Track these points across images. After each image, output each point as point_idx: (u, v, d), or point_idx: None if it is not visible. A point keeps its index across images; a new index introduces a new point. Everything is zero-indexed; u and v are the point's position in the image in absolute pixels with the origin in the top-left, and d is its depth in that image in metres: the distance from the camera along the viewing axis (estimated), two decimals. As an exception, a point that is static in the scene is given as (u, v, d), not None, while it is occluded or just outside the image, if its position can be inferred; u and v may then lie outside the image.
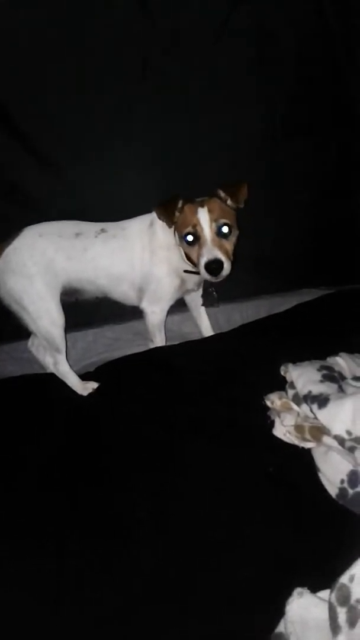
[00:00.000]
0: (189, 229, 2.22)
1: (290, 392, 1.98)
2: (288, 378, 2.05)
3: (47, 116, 2.32)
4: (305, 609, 1.32)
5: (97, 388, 2.43)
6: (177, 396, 2.23)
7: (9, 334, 2.61)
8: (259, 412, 2.00)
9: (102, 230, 2.39)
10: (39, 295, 2.30)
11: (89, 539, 1.68)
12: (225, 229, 2.22)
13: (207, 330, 2.77)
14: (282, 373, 2.10)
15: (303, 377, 1.95)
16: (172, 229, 2.31)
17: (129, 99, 2.39)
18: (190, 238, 2.23)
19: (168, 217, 2.25)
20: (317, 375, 1.94)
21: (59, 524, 1.74)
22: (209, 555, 1.57)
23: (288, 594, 1.37)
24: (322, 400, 1.80)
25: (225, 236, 2.23)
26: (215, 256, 2.17)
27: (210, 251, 2.18)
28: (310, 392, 1.86)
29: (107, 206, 2.52)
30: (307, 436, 1.82)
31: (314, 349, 2.17)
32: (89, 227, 2.40)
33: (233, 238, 2.27)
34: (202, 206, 2.22)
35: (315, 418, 1.81)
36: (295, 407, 1.94)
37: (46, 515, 1.77)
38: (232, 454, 1.89)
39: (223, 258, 2.18)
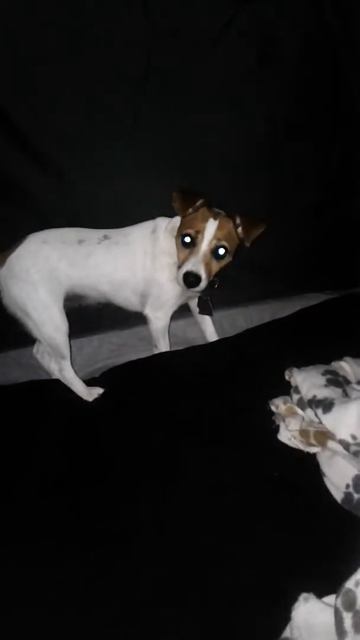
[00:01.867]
0: (192, 231, 2.22)
1: (295, 397, 1.99)
2: (292, 382, 2.05)
3: (48, 118, 2.32)
4: (311, 614, 1.33)
5: (102, 393, 2.44)
6: (182, 401, 2.23)
7: (14, 341, 2.61)
8: (264, 417, 2.01)
9: (105, 237, 2.40)
10: (43, 302, 2.30)
11: (91, 544, 1.68)
12: (221, 251, 2.22)
13: (211, 335, 2.77)
14: (286, 377, 2.11)
15: (307, 381, 1.96)
16: (176, 231, 2.31)
17: (131, 101, 2.39)
18: (187, 239, 2.23)
19: (184, 205, 2.24)
20: (322, 380, 1.95)
21: (61, 529, 1.74)
22: (212, 560, 1.58)
23: (293, 598, 1.38)
24: (326, 405, 1.80)
25: (218, 257, 2.23)
26: (197, 270, 2.17)
27: (196, 263, 2.18)
28: (314, 396, 1.86)
29: (108, 209, 2.53)
30: (312, 441, 1.82)
31: (319, 353, 2.18)
32: (92, 234, 2.41)
33: (223, 262, 2.27)
34: (215, 218, 2.21)
35: (320, 422, 1.81)
36: (300, 411, 1.94)
37: (48, 521, 1.78)
38: (237, 458, 1.90)
39: (203, 275, 2.18)
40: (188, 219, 2.26)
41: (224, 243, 2.21)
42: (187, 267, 2.18)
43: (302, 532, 1.62)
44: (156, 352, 2.58)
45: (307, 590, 1.38)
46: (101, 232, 2.42)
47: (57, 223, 2.41)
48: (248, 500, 1.75)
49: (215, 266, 2.25)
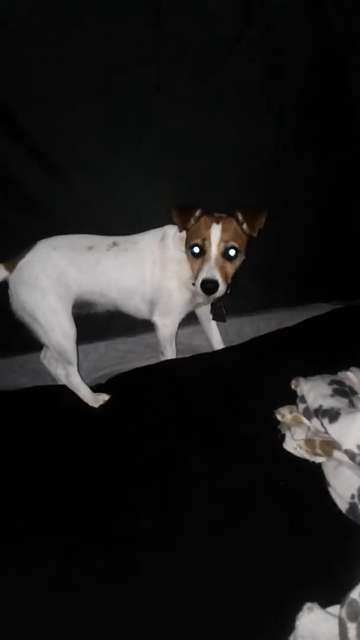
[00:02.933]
0: (198, 240, 2.23)
1: (301, 406, 1.99)
2: (299, 392, 2.05)
3: (57, 125, 2.35)
4: (315, 624, 1.32)
5: (108, 400, 2.44)
6: (187, 409, 2.24)
7: (21, 346, 2.63)
8: (270, 426, 2.01)
9: (114, 244, 2.42)
10: (51, 308, 2.32)
11: (93, 550, 1.68)
12: (232, 252, 2.23)
13: (217, 343, 2.78)
14: (292, 387, 2.11)
15: (314, 391, 1.96)
16: (185, 239, 2.32)
17: (141, 110, 2.42)
18: (196, 250, 2.24)
19: (183, 220, 2.26)
20: (328, 390, 1.95)
21: (64, 534, 1.74)
22: (215, 568, 1.57)
23: (297, 608, 1.37)
24: (333, 415, 1.80)
25: (230, 259, 2.24)
26: (213, 276, 2.18)
27: (210, 270, 2.19)
28: (321, 406, 1.86)
29: (117, 217, 2.55)
30: (318, 450, 1.82)
31: (325, 363, 2.18)
32: (101, 241, 2.42)
33: (237, 262, 2.28)
34: (218, 222, 2.22)
35: (326, 432, 1.81)
36: (305, 421, 1.94)
37: (51, 525, 1.78)
38: (241, 467, 1.89)
39: (220, 280, 2.18)
40: (192, 231, 2.28)
41: (232, 243, 2.22)
42: (203, 275, 2.19)
43: (307, 542, 1.61)
44: (162, 359, 2.59)
45: (312, 600, 1.37)
46: (110, 239, 2.43)
47: (67, 230, 2.43)
48: (252, 509, 1.74)
49: (230, 268, 2.26)
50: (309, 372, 2.12)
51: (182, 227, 2.28)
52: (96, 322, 2.68)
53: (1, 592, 1.57)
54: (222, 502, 1.78)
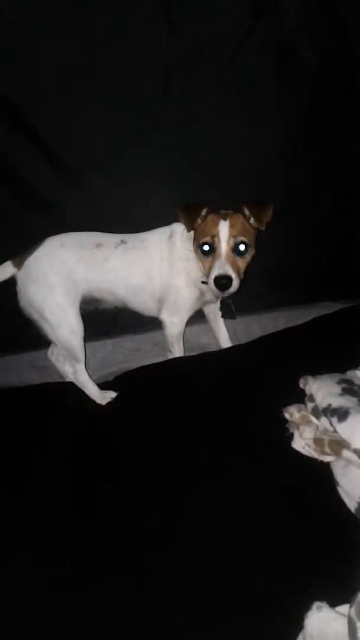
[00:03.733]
0: (207, 238, 2.23)
1: (310, 405, 1.98)
2: (307, 391, 2.04)
3: (67, 125, 2.36)
4: (324, 623, 1.32)
5: (115, 397, 2.45)
6: (194, 407, 2.23)
7: (29, 343, 2.64)
8: (278, 425, 2.00)
9: (122, 242, 2.42)
10: (59, 305, 2.32)
11: (100, 549, 1.68)
12: (242, 247, 2.23)
13: (225, 341, 2.78)
14: (301, 385, 2.09)
15: (322, 390, 1.94)
16: (192, 237, 2.32)
17: (150, 110, 2.42)
18: (206, 248, 2.24)
19: (189, 220, 2.26)
20: (337, 389, 1.94)
21: (70, 532, 1.75)
22: (223, 567, 1.57)
23: (306, 607, 1.37)
24: (342, 414, 1.79)
25: (240, 254, 2.24)
26: (226, 272, 2.18)
27: (222, 266, 2.19)
28: (329, 405, 1.85)
29: (125, 216, 2.55)
30: (327, 449, 1.81)
31: (333, 361, 2.16)
32: (109, 238, 2.43)
33: (248, 257, 2.28)
34: (225, 219, 2.23)
35: (335, 431, 1.80)
36: (314, 420, 1.93)
37: (57, 523, 1.79)
38: (249, 466, 1.89)
39: (233, 275, 2.19)
40: (200, 230, 2.28)
41: (241, 238, 2.22)
42: (215, 271, 2.19)
43: (316, 541, 1.60)
44: (170, 357, 2.60)
45: (321, 599, 1.37)
46: (118, 237, 2.44)
47: (76, 228, 2.44)
48: (260, 508, 1.74)
49: (242, 263, 2.27)
50: (317, 370, 2.11)
51: (190, 227, 2.28)
52: (104, 320, 2.68)
53: (8, 591, 1.57)
54: (230, 501, 1.77)
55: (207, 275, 2.26)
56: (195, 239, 2.31)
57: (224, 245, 2.22)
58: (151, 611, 1.49)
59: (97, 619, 1.49)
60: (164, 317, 2.51)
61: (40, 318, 2.36)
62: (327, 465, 1.81)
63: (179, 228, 2.44)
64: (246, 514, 1.72)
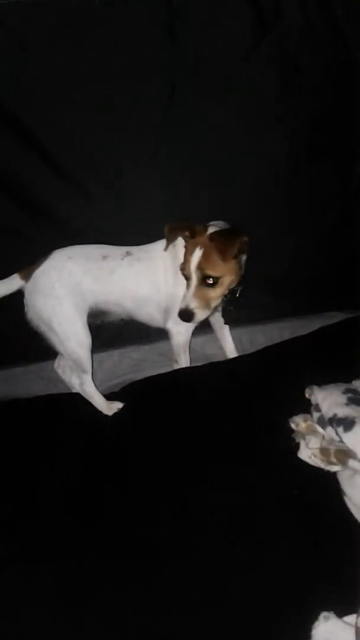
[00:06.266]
0: (183, 265, 2.24)
1: (316, 415, 1.98)
2: (313, 400, 2.05)
3: (73, 138, 2.37)
4: (331, 633, 1.33)
5: (122, 408, 2.46)
6: (201, 418, 2.25)
7: (36, 355, 2.65)
8: (284, 435, 2.01)
9: (128, 253, 2.43)
10: (67, 317, 2.34)
11: (111, 559, 1.69)
12: (210, 281, 2.20)
13: (231, 352, 2.78)
14: (306, 395, 2.10)
15: (328, 399, 1.95)
16: None
17: (155, 124, 2.44)
18: (184, 274, 2.25)
19: (168, 240, 2.29)
20: (343, 398, 1.94)
21: (81, 543, 1.76)
22: (232, 577, 1.58)
23: (312, 617, 1.37)
24: (347, 424, 1.80)
25: (210, 285, 2.21)
26: (188, 306, 2.20)
27: (187, 299, 2.21)
28: (335, 415, 1.86)
29: (132, 229, 2.56)
30: (333, 459, 1.82)
31: (339, 371, 2.17)
32: (116, 251, 2.44)
33: (221, 287, 2.24)
34: (200, 248, 2.19)
35: (341, 441, 1.80)
36: (320, 429, 1.94)
37: (68, 534, 1.80)
38: (256, 476, 1.90)
39: (196, 309, 2.20)
40: (185, 250, 2.27)
41: (209, 273, 2.19)
42: (182, 303, 2.23)
43: (323, 551, 1.61)
44: (176, 367, 2.60)
45: (328, 609, 1.37)
46: (124, 249, 2.45)
47: (82, 240, 2.45)
48: (267, 518, 1.75)
49: (213, 294, 2.24)
50: (322, 380, 2.12)
51: (166, 247, 2.31)
52: (110, 331, 2.69)
53: (21, 601, 1.58)
54: (238, 511, 1.78)
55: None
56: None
57: (193, 278, 2.21)
58: (159, 620, 1.50)
59: (106, 628, 1.50)
60: (170, 326, 2.51)
61: (48, 330, 2.37)
62: (333, 475, 1.82)
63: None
64: (253, 524, 1.73)
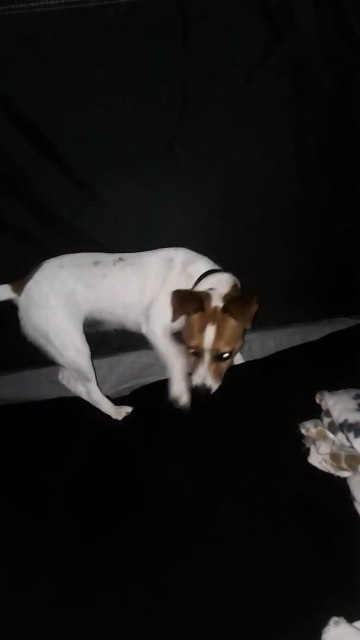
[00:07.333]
0: (193, 344, 2.17)
1: (326, 420, 1.99)
2: (323, 406, 2.05)
3: (88, 146, 2.39)
4: (341, 638, 1.32)
5: (132, 412, 2.46)
6: (211, 422, 2.25)
7: (47, 358, 2.66)
8: (294, 440, 2.01)
9: (120, 259, 2.41)
10: (62, 327, 2.31)
11: (117, 559, 1.71)
12: (225, 355, 2.18)
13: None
14: (317, 401, 2.11)
15: (339, 405, 1.96)
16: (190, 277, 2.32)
17: (167, 132, 2.46)
18: (191, 351, 2.20)
19: (176, 313, 2.18)
20: (353, 404, 1.95)
21: (88, 545, 1.77)
22: (242, 582, 1.59)
23: (323, 622, 1.37)
24: (358, 429, 1.80)
25: (224, 360, 2.19)
26: (205, 383, 2.15)
27: (202, 376, 2.16)
28: (346, 420, 1.87)
29: (142, 234, 2.58)
30: (343, 465, 1.82)
31: (349, 377, 2.17)
32: (108, 257, 2.42)
33: (232, 356, 2.24)
34: (213, 323, 2.13)
35: (352, 447, 1.81)
36: (330, 435, 1.94)
37: (75, 538, 1.81)
38: (266, 481, 1.90)
39: (213, 384, 2.17)
40: (189, 323, 2.20)
41: (225, 349, 2.16)
42: (196, 380, 2.16)
43: (332, 557, 1.61)
44: (171, 375, 2.37)
45: (338, 615, 1.37)
46: (116, 255, 2.42)
47: (94, 250, 2.49)
48: (277, 523, 1.75)
49: (224, 365, 2.22)
50: (333, 386, 2.12)
51: (174, 319, 2.21)
52: (120, 335, 2.70)
53: (24, 604, 1.60)
54: (247, 515, 1.78)
55: (190, 372, 2.22)
56: (184, 330, 2.25)
57: (207, 356, 2.16)
58: (165, 622, 1.51)
59: (111, 628, 1.52)
60: (144, 329, 2.41)
61: (45, 342, 2.35)
62: (343, 481, 1.82)
63: (181, 256, 2.40)
64: (263, 529, 1.73)
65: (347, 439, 1.83)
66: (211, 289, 2.22)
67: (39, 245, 2.52)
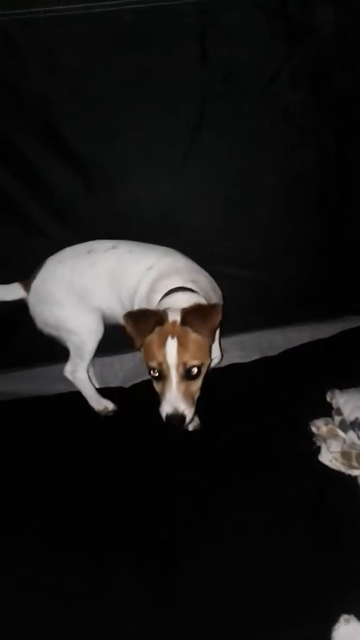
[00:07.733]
0: (154, 364, 1.84)
1: (337, 419, 2.00)
2: (334, 404, 2.06)
3: (107, 151, 2.41)
4: (351, 636, 1.34)
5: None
6: (219, 419, 2.26)
7: (59, 355, 2.68)
8: (305, 438, 2.02)
9: (113, 247, 2.35)
10: (72, 315, 2.33)
11: (127, 559, 1.71)
12: (194, 370, 1.84)
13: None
14: (328, 399, 2.11)
15: (350, 403, 1.96)
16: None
17: (184, 140, 2.46)
18: (155, 373, 1.87)
19: (139, 336, 1.87)
20: (364, 403, 1.95)
21: (95, 542, 1.78)
22: (252, 579, 1.59)
23: (333, 619, 1.38)
24: (369, 428, 1.81)
25: (194, 377, 1.85)
26: (177, 409, 1.80)
27: (173, 401, 1.81)
28: (357, 418, 1.87)
29: (158, 236, 2.58)
30: (354, 463, 1.83)
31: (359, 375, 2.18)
32: (101, 244, 2.37)
33: (202, 375, 1.88)
34: (173, 336, 1.82)
35: (363, 445, 1.82)
36: (341, 433, 1.95)
37: (85, 533, 1.82)
38: (277, 479, 1.91)
39: (187, 410, 1.82)
40: (146, 344, 1.87)
41: (193, 362, 1.83)
42: (166, 409, 1.82)
43: (343, 555, 1.62)
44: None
45: (348, 612, 1.39)
46: (110, 243, 2.36)
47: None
48: (288, 521, 1.76)
49: (196, 385, 1.88)
50: (344, 384, 2.13)
51: (140, 344, 1.88)
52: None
53: (34, 602, 1.61)
54: (256, 513, 1.79)
55: (159, 401, 1.87)
56: (143, 354, 1.92)
57: (173, 374, 1.82)
58: (173, 620, 1.52)
59: (118, 625, 1.53)
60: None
61: (59, 334, 2.39)
62: (354, 479, 1.82)
63: (161, 266, 2.19)
64: (273, 527, 1.74)
65: (358, 437, 1.83)
66: (169, 308, 1.92)
67: (52, 239, 2.53)
